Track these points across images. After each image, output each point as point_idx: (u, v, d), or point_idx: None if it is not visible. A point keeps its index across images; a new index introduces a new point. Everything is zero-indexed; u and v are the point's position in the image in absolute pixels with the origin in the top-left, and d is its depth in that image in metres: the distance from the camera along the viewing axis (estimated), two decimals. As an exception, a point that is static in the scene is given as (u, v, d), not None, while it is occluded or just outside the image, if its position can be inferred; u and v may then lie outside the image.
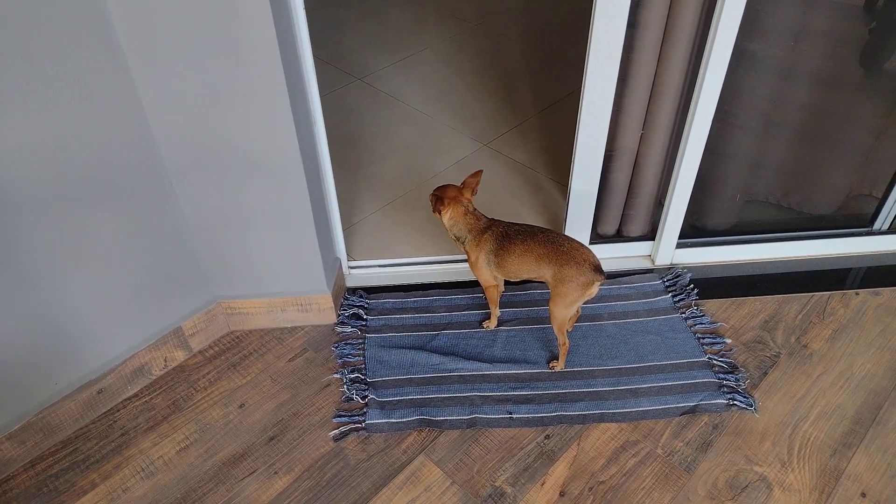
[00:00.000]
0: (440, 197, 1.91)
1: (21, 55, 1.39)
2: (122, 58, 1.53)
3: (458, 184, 1.96)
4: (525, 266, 1.87)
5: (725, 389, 1.90)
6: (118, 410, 1.91)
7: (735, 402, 1.87)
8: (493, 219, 1.94)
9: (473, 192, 1.95)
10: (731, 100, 2.04)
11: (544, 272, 1.83)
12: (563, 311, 1.84)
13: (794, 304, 2.18)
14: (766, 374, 1.96)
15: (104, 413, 1.90)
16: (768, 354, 2.02)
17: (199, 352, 2.08)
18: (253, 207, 1.87)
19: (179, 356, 2.04)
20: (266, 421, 1.88)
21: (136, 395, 1.95)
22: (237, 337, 2.13)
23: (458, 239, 1.95)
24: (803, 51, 2.11)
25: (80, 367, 1.83)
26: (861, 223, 2.40)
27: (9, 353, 1.65)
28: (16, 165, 1.47)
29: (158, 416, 1.90)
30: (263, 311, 2.11)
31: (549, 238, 1.84)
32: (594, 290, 1.80)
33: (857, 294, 2.21)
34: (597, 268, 1.77)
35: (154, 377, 2.00)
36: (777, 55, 2.10)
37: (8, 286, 1.58)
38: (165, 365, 2.01)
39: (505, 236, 1.88)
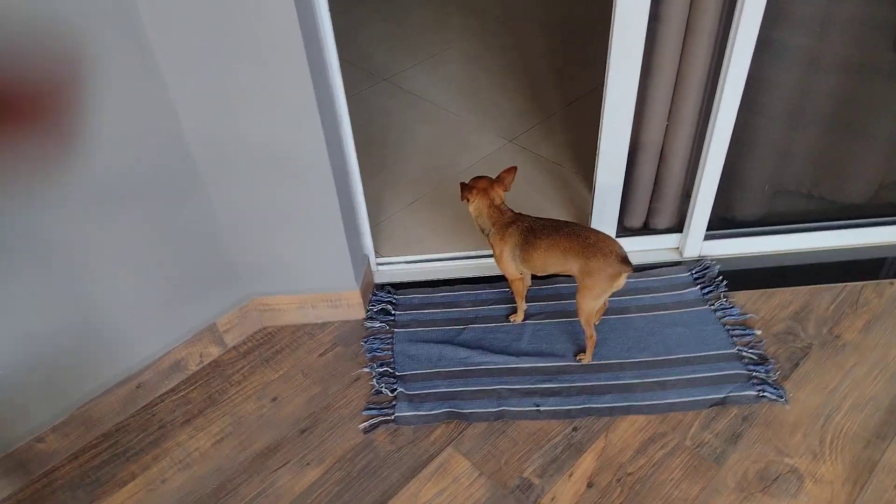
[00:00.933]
0: (469, 186, 1.93)
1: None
2: (153, 61, 1.58)
3: (493, 177, 1.98)
4: (551, 260, 1.88)
5: (755, 381, 1.88)
6: (156, 404, 1.98)
7: (765, 394, 1.85)
8: (519, 213, 1.95)
9: (506, 189, 1.96)
10: (757, 89, 2.02)
11: (571, 265, 1.84)
12: (591, 304, 1.84)
13: (826, 294, 2.15)
14: (797, 365, 1.94)
15: (143, 407, 1.97)
16: (799, 346, 2.00)
17: (233, 347, 2.13)
18: (282, 206, 1.91)
19: (214, 352, 2.10)
20: (298, 414, 1.92)
21: (173, 390, 2.01)
22: (269, 333, 2.18)
23: (483, 231, 1.97)
24: (831, 38, 2.08)
25: (120, 362, 1.89)
26: (894, 211, 2.36)
27: (52, 350, 1.72)
28: (50, 168, 1.54)
29: (194, 409, 1.96)
30: (294, 308, 2.16)
31: (574, 231, 1.85)
32: (621, 281, 1.80)
33: (891, 284, 2.17)
34: (624, 259, 1.77)
35: (190, 372, 2.06)
36: (804, 44, 2.07)
37: (49, 284, 1.65)
38: (201, 360, 2.07)
39: (530, 231, 1.89)
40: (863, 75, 2.17)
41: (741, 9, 1.78)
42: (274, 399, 1.97)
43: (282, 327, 2.19)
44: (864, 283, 2.18)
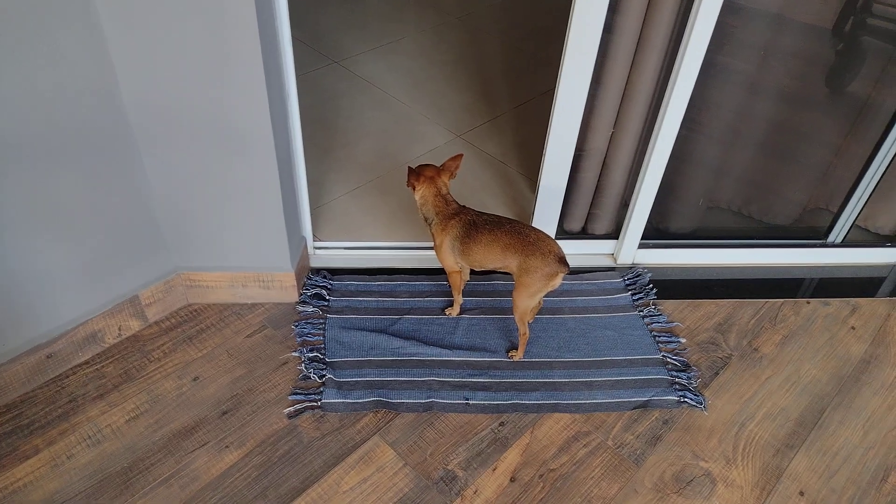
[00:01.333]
0: (417, 173, 1.91)
1: (-13, 0, 1.34)
2: (94, 13, 1.49)
3: (439, 165, 1.96)
4: (491, 255, 1.88)
5: (677, 387, 1.95)
6: (67, 377, 1.87)
7: (686, 400, 1.92)
8: (463, 206, 1.95)
9: (452, 176, 1.96)
10: (699, 109, 2.09)
11: (510, 262, 1.85)
12: (526, 301, 1.86)
13: (748, 308, 2.25)
14: (717, 374, 2.02)
15: (52, 378, 1.86)
16: (720, 355, 2.08)
17: (155, 322, 2.04)
18: (221, 179, 1.84)
19: (135, 325, 2.00)
20: (220, 395, 1.86)
21: (86, 363, 1.91)
22: (195, 310, 2.10)
23: (426, 219, 1.96)
24: (772, 67, 2.17)
25: (30, 329, 1.78)
26: (816, 235, 2.49)
27: (-45, 310, 1.60)
28: (-26, 115, 1.43)
29: (109, 384, 1.86)
30: (224, 286, 2.09)
31: (515, 229, 1.86)
32: (557, 281, 1.82)
33: (808, 303, 2.29)
34: (561, 259, 1.79)
35: (107, 345, 1.95)
36: (746, 70, 2.16)
37: (-42, 240, 1.53)
38: (119, 333, 1.97)
39: (472, 225, 1.89)
40: (796, 104, 2.28)
41: (691, 30, 1.84)
42: (195, 378, 1.90)
43: (209, 305, 2.12)
44: (784, 300, 2.29)
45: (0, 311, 1.69)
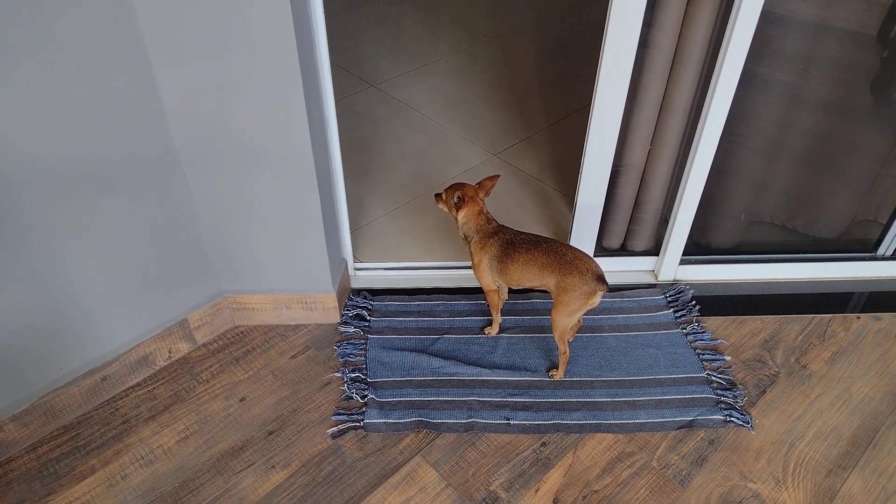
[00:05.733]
0: (462, 196, 1.94)
1: (48, 39, 1.42)
2: (143, 50, 1.57)
3: (474, 184, 1.99)
4: (528, 274, 1.89)
5: (723, 406, 1.91)
6: (121, 398, 1.94)
7: (732, 419, 1.88)
8: (502, 225, 1.97)
9: (487, 194, 1.98)
10: (739, 121, 2.06)
11: (547, 281, 1.85)
12: (566, 320, 1.85)
13: (795, 324, 2.19)
14: (764, 392, 1.97)
15: (107, 400, 1.93)
16: (767, 373, 2.03)
17: (204, 345, 2.10)
18: (263, 203, 1.90)
19: (184, 348, 2.06)
20: (266, 415, 1.90)
21: (139, 385, 1.98)
22: (241, 332, 2.15)
23: (465, 238, 1.98)
24: (813, 77, 2.14)
25: (86, 353, 1.85)
26: (865, 248, 2.42)
27: (16, 337, 1.68)
28: (31, 148, 1.51)
29: (160, 405, 1.92)
30: (268, 308, 2.14)
31: (552, 247, 1.86)
32: (597, 299, 1.82)
33: (858, 318, 2.22)
34: (600, 277, 1.79)
35: (158, 367, 2.02)
36: (786, 80, 2.12)
37: (16, 269, 1.61)
38: (169, 356, 2.04)
39: (510, 244, 1.90)
40: (840, 114, 2.23)
41: (728, 42, 1.82)
42: (242, 399, 1.95)
43: (254, 327, 2.17)
44: (832, 315, 2.23)
45: (60, 336, 1.77)
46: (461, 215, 1.95)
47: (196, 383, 1.99)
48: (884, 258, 2.40)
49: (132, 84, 1.59)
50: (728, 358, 2.06)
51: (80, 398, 1.87)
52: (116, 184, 1.69)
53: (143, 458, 1.79)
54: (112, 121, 1.60)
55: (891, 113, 2.28)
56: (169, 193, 1.80)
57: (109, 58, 1.53)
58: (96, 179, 1.64)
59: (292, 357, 2.07)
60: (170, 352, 2.03)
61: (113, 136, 1.63)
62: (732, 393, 1.95)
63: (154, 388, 1.97)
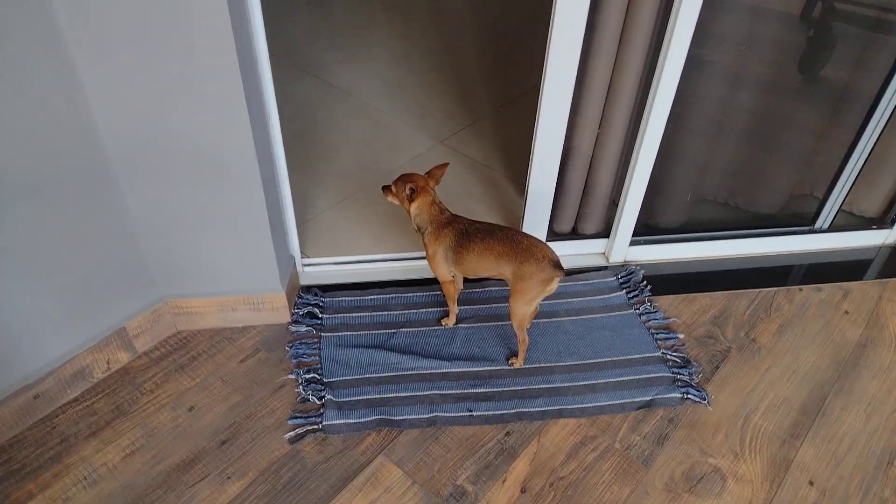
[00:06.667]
0: (414, 187, 1.88)
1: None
2: (64, 48, 1.44)
3: (423, 173, 1.93)
4: (485, 264, 1.86)
5: (679, 384, 1.94)
6: (57, 416, 1.80)
7: (689, 396, 1.91)
8: (455, 215, 1.92)
9: (437, 183, 1.93)
10: (682, 104, 2.08)
11: (504, 269, 1.82)
12: (524, 308, 1.84)
13: (742, 299, 2.25)
14: (717, 367, 2.01)
15: (41, 419, 1.79)
16: (719, 349, 2.07)
17: (145, 353, 1.98)
18: (204, 204, 1.79)
19: (123, 358, 1.94)
20: (217, 424, 1.81)
21: (76, 400, 1.85)
22: (185, 337, 2.04)
23: (419, 229, 1.93)
24: (749, 57, 2.18)
25: (15, 370, 1.71)
26: (804, 222, 2.50)
27: (-65, 357, 1.54)
28: (-55, 154, 1.37)
29: (101, 421, 1.80)
30: (213, 311, 2.03)
31: (508, 236, 1.83)
32: (554, 285, 1.80)
33: (800, 290, 2.30)
34: (556, 264, 1.78)
35: (96, 380, 1.89)
36: (724, 61, 2.16)
37: (-66, 284, 1.47)
38: (108, 367, 1.91)
39: (464, 233, 1.86)
40: (775, 93, 2.29)
41: (673, 25, 1.83)
42: (190, 409, 1.84)
43: (198, 331, 2.06)
44: (777, 289, 2.29)
45: (-18, 354, 1.63)
46: (414, 207, 1.90)
47: (139, 394, 1.87)
48: (821, 231, 2.49)
49: (51, 81, 1.46)
50: (681, 336, 2.09)
51: (11, 419, 1.73)
52: (45, 192, 1.56)
53: (85, 478, 1.67)
54: (35, 125, 1.47)
55: (822, 90, 2.35)
56: (100, 199, 1.68)
57: (23, 51, 1.39)
58: (22, 189, 1.51)
59: (241, 361, 1.98)
60: (108, 363, 1.91)
61: (38, 143, 1.50)
62: (688, 370, 1.98)
63: (93, 402, 1.85)
